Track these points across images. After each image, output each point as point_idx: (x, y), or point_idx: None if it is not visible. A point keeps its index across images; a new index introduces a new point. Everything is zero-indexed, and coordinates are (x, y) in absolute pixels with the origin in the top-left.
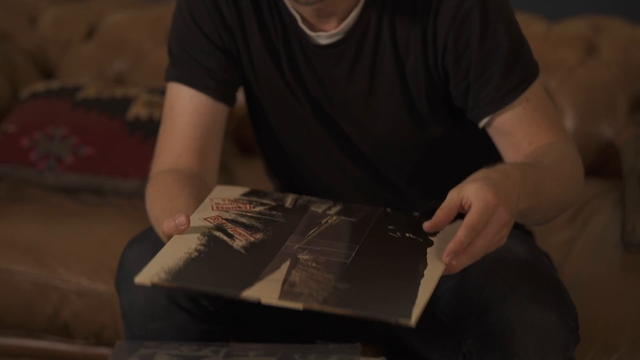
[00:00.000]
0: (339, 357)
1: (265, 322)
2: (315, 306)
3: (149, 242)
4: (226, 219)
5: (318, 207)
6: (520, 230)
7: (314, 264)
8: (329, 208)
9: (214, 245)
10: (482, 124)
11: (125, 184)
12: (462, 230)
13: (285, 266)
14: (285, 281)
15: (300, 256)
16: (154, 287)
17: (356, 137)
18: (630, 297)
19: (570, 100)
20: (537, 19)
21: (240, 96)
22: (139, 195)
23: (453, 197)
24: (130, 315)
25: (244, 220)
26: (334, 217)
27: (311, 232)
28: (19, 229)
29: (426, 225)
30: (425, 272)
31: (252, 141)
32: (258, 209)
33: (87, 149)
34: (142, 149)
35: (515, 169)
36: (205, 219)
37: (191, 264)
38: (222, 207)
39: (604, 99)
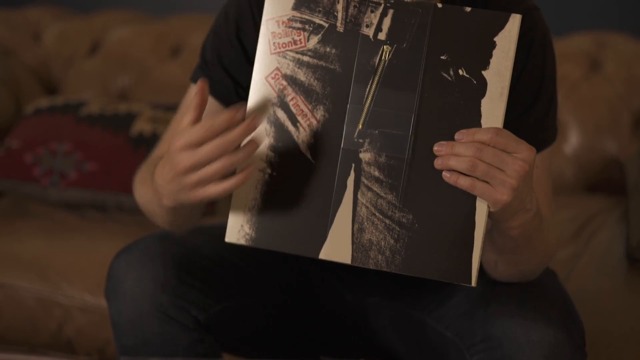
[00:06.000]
0: None
1: (266, 336)
2: (382, 268)
3: (137, 252)
4: (285, 74)
5: (369, 27)
6: None
7: (376, 173)
8: (380, 20)
9: (281, 147)
10: None
11: (128, 200)
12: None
13: (351, 185)
14: (353, 223)
15: (362, 155)
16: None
17: None
18: (635, 313)
19: (574, 115)
20: None
21: None
22: None
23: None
24: (119, 325)
25: (301, 75)
26: (387, 50)
27: (366, 92)
28: (22, 245)
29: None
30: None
31: None
32: (312, 42)
33: (90, 165)
34: None
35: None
36: (266, 78)
37: (266, 192)
38: (279, 45)
39: (608, 115)
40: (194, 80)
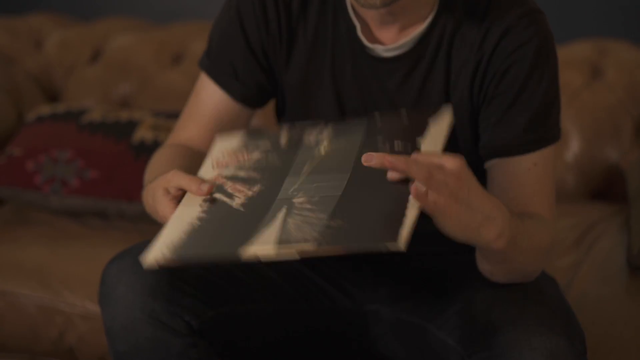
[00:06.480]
0: None
1: (262, 343)
2: (308, 248)
3: (130, 258)
4: (226, 176)
5: (310, 136)
6: None
7: (308, 206)
8: (321, 132)
9: (214, 209)
10: (487, 165)
11: (130, 208)
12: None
13: (281, 215)
14: (281, 230)
15: (295, 200)
16: (161, 268)
17: None
18: (636, 321)
19: (575, 123)
20: None
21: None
22: (144, 219)
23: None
24: (112, 331)
25: (242, 173)
26: (325, 144)
27: (305, 168)
28: (23, 252)
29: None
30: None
31: None
32: (255, 156)
33: (92, 172)
34: None
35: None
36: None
37: (193, 234)
38: (222, 164)
39: (609, 122)
40: (200, 65)
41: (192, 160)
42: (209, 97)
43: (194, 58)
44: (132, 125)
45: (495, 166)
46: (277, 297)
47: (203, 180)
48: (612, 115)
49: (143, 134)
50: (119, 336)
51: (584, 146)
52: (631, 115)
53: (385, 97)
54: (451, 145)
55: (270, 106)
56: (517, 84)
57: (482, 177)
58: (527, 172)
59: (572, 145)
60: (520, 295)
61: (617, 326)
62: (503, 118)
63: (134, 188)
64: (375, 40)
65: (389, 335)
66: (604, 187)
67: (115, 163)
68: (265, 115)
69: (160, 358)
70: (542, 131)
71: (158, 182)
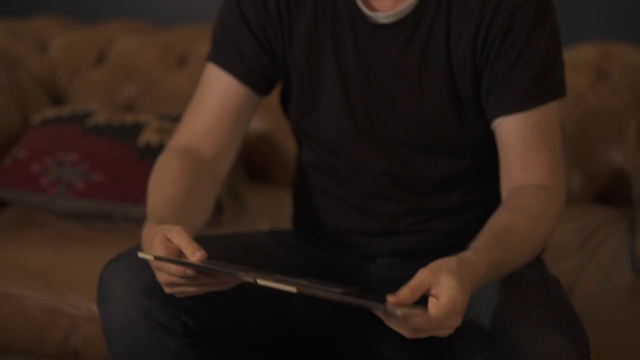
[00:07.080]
0: None
1: (261, 345)
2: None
3: (127, 260)
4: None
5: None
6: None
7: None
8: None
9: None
10: (493, 125)
11: (135, 210)
12: (423, 318)
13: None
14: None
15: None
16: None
17: (392, 125)
18: None
19: (580, 126)
20: None
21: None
22: None
23: (425, 279)
24: (110, 332)
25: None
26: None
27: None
28: (29, 255)
29: (391, 300)
30: None
31: (262, 168)
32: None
33: (97, 175)
34: None
35: (483, 265)
36: None
37: None
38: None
39: (614, 125)
40: (207, 58)
41: (194, 179)
42: (215, 84)
43: (199, 60)
44: (137, 128)
45: (501, 125)
46: (275, 299)
47: (199, 248)
48: (617, 118)
49: (148, 136)
50: (116, 337)
51: (589, 149)
52: (636, 118)
53: (388, 66)
54: (455, 108)
55: (274, 107)
56: (520, 42)
57: (487, 145)
58: (531, 131)
59: (577, 148)
60: (523, 296)
61: (621, 329)
62: (507, 76)
63: (139, 191)
64: (374, 9)
65: (392, 334)
66: (608, 190)
67: (121, 166)
68: (268, 115)
69: (158, 358)
70: (546, 86)
71: (161, 229)
